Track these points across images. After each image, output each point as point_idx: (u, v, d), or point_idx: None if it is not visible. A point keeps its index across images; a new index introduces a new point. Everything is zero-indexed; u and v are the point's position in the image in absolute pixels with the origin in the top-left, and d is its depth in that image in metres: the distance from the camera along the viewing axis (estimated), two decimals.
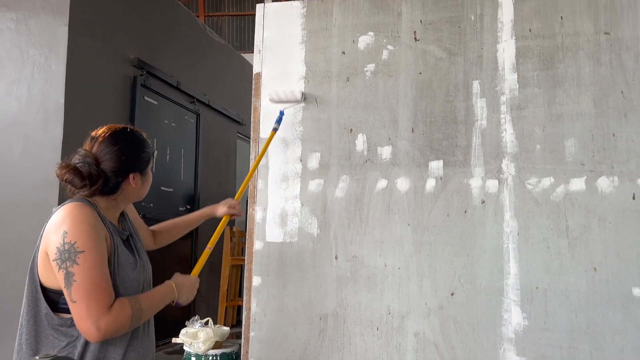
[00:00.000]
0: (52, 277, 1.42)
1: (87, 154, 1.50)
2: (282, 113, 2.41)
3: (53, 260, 1.38)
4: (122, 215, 1.67)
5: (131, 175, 1.57)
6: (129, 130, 1.62)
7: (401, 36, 2.41)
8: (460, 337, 2.18)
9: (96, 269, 1.36)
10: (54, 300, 1.44)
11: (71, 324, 1.41)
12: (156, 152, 4.39)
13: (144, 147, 1.62)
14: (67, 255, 1.36)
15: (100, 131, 1.57)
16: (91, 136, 1.57)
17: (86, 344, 1.42)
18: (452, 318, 2.19)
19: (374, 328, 2.27)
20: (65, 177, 1.46)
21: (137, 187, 1.60)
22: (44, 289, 1.44)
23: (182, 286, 1.57)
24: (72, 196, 1.53)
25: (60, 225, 1.40)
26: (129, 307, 1.39)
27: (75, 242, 1.37)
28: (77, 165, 1.48)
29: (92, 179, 1.47)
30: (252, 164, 2.49)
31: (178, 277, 1.61)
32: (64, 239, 1.37)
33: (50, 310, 1.43)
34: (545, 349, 2.09)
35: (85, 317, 1.33)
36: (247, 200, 2.52)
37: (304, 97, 2.44)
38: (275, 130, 2.38)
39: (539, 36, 2.25)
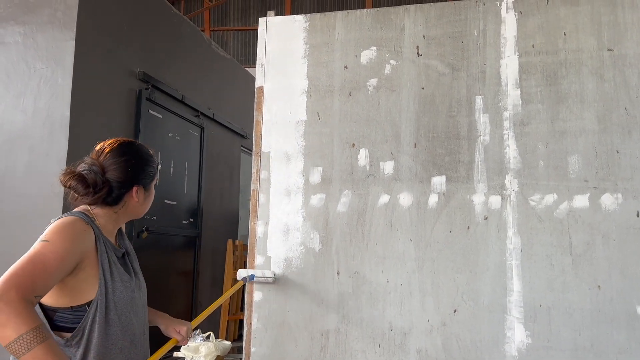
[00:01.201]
0: (48, 295, 1.40)
1: (94, 163, 1.52)
2: (252, 277, 2.37)
3: None
4: (120, 233, 1.66)
5: (135, 188, 1.57)
6: (137, 144, 1.64)
7: (404, 51, 2.41)
8: (462, 355, 2.15)
9: (44, 259, 1.31)
10: (50, 317, 1.42)
11: (65, 343, 1.40)
12: (160, 164, 4.40)
13: (150, 162, 1.63)
14: (34, 244, 1.36)
15: (108, 142, 1.59)
16: (98, 146, 1.58)
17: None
18: (455, 335, 2.17)
19: (375, 345, 2.25)
20: (68, 184, 1.47)
21: (139, 201, 1.60)
22: (41, 306, 1.43)
23: None
24: (74, 203, 1.53)
25: (46, 230, 1.41)
26: (30, 328, 1.20)
27: (46, 234, 1.37)
28: (83, 173, 1.49)
29: (96, 187, 1.48)
30: (253, 178, 2.49)
31: None
32: (41, 237, 1.38)
33: (48, 325, 1.41)
34: None
35: (1, 281, 1.23)
36: (248, 214, 2.51)
37: (275, 278, 2.37)
38: (244, 281, 2.33)
39: (542, 52, 2.25)
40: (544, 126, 2.20)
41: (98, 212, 1.54)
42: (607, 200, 2.10)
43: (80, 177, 1.47)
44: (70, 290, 1.41)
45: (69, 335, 1.40)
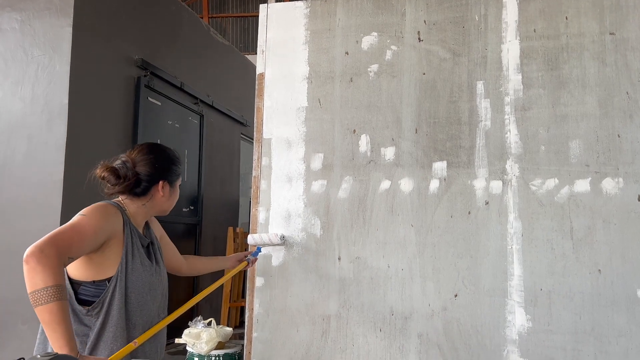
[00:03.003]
0: (75, 268, 1.58)
1: (127, 159, 1.73)
2: (259, 249, 2.39)
3: None
4: (147, 226, 1.84)
5: (161, 183, 1.75)
6: (165, 146, 1.86)
7: (405, 36, 2.40)
8: (463, 339, 2.16)
9: (82, 228, 1.50)
10: (75, 290, 1.58)
11: (87, 313, 1.56)
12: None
13: (175, 162, 1.83)
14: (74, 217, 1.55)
15: (140, 144, 1.82)
16: (132, 148, 1.80)
17: (99, 332, 1.55)
18: (456, 320, 2.18)
19: (377, 329, 2.26)
20: (102, 175, 1.67)
21: (165, 196, 1.78)
22: (69, 279, 1.60)
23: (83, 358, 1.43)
24: (108, 196, 1.73)
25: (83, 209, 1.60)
26: (54, 284, 1.35)
27: (84, 210, 1.58)
28: (116, 166, 1.70)
29: (126, 179, 1.68)
30: (254, 164, 2.49)
31: (86, 356, 1.49)
32: (81, 212, 1.58)
33: (73, 296, 1.57)
34: (549, 351, 2.08)
35: (42, 239, 1.41)
36: (249, 201, 2.51)
37: (284, 240, 2.39)
38: (249, 261, 2.35)
39: (544, 37, 2.24)
40: (545, 111, 2.20)
41: (128, 203, 1.72)
42: (608, 184, 2.10)
43: (113, 170, 1.68)
44: (96, 266, 1.58)
45: (89, 307, 1.56)
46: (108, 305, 1.56)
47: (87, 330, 1.55)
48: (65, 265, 1.44)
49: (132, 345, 1.58)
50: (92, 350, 1.53)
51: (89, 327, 1.55)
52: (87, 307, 1.55)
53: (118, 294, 1.57)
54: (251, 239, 2.40)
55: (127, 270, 1.60)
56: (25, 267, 1.37)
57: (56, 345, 1.35)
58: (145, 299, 1.66)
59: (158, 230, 1.94)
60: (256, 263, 2.42)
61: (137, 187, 1.70)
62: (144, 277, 1.65)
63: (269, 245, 2.39)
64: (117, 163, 1.72)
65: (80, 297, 1.56)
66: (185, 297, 4.79)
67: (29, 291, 1.36)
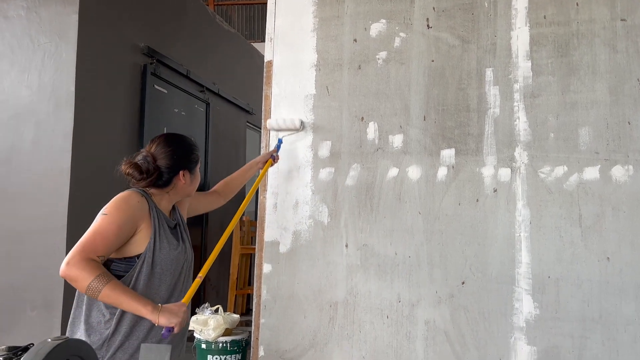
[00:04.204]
0: None
1: (148, 154, 1.83)
2: (280, 141, 2.42)
3: None
4: (174, 209, 1.96)
5: (181, 172, 1.86)
6: (181, 136, 1.96)
7: (414, 23, 2.38)
8: (470, 326, 2.17)
9: (103, 230, 1.66)
10: (107, 266, 1.71)
11: None
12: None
13: (193, 150, 1.93)
14: (97, 217, 1.70)
15: (158, 136, 1.91)
16: (151, 140, 1.90)
17: (121, 317, 1.69)
18: (463, 307, 2.19)
19: (384, 316, 2.27)
20: (127, 171, 1.79)
21: (187, 183, 1.89)
22: None
23: (167, 308, 1.66)
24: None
25: (107, 203, 1.74)
26: (94, 276, 1.58)
27: (106, 208, 1.71)
28: (138, 162, 1.80)
29: (149, 173, 1.79)
30: (262, 151, 2.48)
31: (167, 305, 1.71)
32: (103, 209, 1.72)
33: (108, 272, 1.68)
34: (557, 338, 2.08)
35: (72, 251, 1.61)
36: (257, 189, 2.51)
37: (303, 126, 2.42)
38: (273, 158, 2.37)
39: (554, 23, 2.22)
40: (555, 98, 2.19)
41: (153, 191, 1.84)
42: (618, 172, 2.09)
43: (135, 166, 1.79)
44: (127, 246, 1.73)
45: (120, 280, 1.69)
46: (135, 279, 1.71)
47: (113, 313, 1.70)
48: (97, 262, 1.63)
49: (198, 280, 1.79)
50: (121, 318, 1.69)
51: (113, 311, 1.70)
52: None
53: (145, 269, 1.73)
54: (272, 122, 2.43)
55: (154, 248, 1.75)
56: (67, 279, 1.61)
57: (137, 313, 1.62)
58: (171, 275, 1.81)
59: (185, 205, 2.06)
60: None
61: (159, 180, 1.82)
62: (170, 255, 1.79)
63: (287, 130, 2.41)
64: (138, 158, 1.83)
65: (112, 272, 1.70)
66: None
67: (83, 291, 1.61)
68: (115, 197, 1.76)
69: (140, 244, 1.74)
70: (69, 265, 1.58)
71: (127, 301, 1.60)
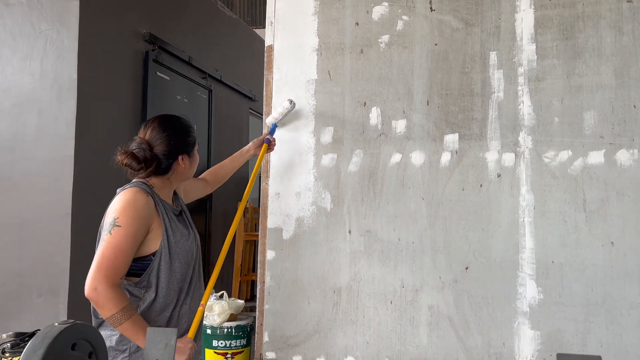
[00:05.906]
0: None
1: (142, 141, 1.76)
2: (275, 125, 2.40)
3: (103, 230, 1.67)
4: (175, 194, 1.93)
5: (180, 157, 1.82)
6: (175, 117, 1.88)
7: (416, 6, 2.35)
8: (474, 311, 2.17)
9: (122, 245, 1.61)
10: None
11: (136, 285, 1.68)
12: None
13: (189, 132, 1.87)
14: (109, 226, 1.64)
15: (151, 120, 1.84)
16: (144, 125, 1.83)
17: (152, 302, 1.69)
18: (467, 292, 2.19)
19: (387, 301, 2.27)
20: (124, 162, 1.72)
21: (186, 166, 1.85)
22: None
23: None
24: (132, 178, 1.79)
25: (115, 207, 1.68)
26: (119, 309, 1.56)
27: (117, 218, 1.64)
28: (134, 151, 1.73)
29: (147, 162, 1.73)
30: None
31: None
32: (113, 216, 1.66)
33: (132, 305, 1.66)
34: (560, 322, 2.08)
35: (93, 273, 1.58)
36: (260, 176, 2.51)
37: (293, 104, 2.37)
38: (268, 143, 2.35)
39: (559, 5, 2.19)
40: (560, 82, 2.16)
41: (154, 181, 1.79)
42: (623, 156, 2.07)
43: (132, 155, 1.72)
44: (140, 246, 1.69)
45: (137, 279, 1.69)
46: (156, 277, 1.70)
47: (137, 301, 1.68)
48: (121, 286, 1.62)
49: (202, 309, 1.76)
50: (144, 319, 1.66)
51: (139, 297, 1.69)
52: (134, 280, 1.68)
53: (163, 265, 1.71)
54: (270, 118, 2.41)
55: (169, 244, 1.72)
56: (92, 302, 1.60)
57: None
58: (188, 265, 1.80)
59: (181, 190, 2.03)
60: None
61: (159, 168, 1.78)
62: (185, 246, 1.78)
63: (284, 114, 2.38)
64: (133, 147, 1.76)
65: (128, 272, 1.67)
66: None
67: (104, 318, 1.59)
68: (121, 200, 1.69)
69: (153, 243, 1.70)
70: (96, 292, 1.56)
71: (142, 338, 1.57)
